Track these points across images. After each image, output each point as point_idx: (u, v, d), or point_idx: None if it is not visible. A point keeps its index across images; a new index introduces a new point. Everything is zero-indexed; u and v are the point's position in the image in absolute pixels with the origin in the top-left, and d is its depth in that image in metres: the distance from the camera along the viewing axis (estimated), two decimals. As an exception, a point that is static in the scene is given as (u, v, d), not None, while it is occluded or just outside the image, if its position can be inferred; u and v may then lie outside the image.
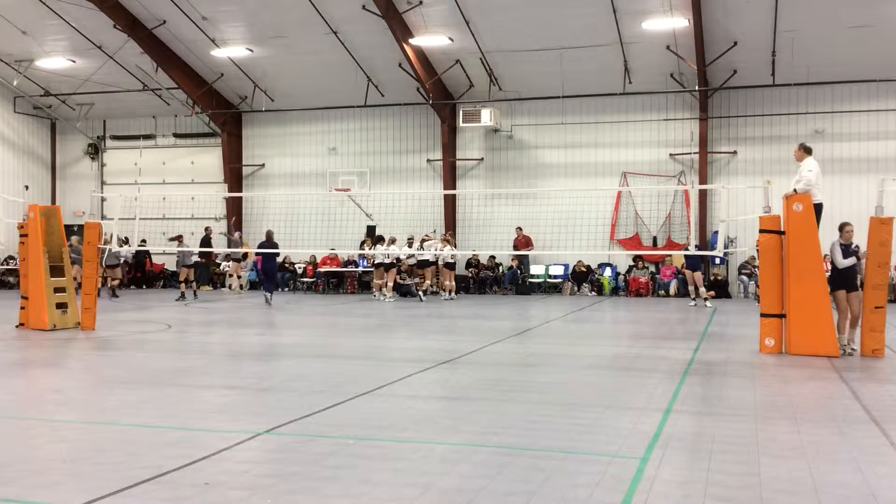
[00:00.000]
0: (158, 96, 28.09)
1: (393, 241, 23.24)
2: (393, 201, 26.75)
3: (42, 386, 9.10)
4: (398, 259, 23.06)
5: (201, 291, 25.79)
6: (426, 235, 24.35)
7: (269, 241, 21.38)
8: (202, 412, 7.40)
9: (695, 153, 24.82)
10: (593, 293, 25.18)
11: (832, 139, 23.95)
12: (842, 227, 11.44)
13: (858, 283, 11.51)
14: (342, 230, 26.81)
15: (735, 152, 25.00)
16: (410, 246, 23.91)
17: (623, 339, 13.89)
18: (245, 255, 26.60)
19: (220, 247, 26.36)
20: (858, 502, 4.90)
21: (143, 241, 26.25)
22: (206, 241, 25.72)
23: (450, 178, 26.94)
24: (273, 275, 22.42)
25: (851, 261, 11.23)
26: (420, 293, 23.02)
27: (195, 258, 24.27)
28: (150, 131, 30.47)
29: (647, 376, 9.48)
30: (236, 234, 26.02)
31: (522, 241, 25.01)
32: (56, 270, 14.71)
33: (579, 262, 25.69)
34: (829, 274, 11.63)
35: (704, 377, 9.53)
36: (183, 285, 22.83)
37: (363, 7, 22.49)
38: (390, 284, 22.82)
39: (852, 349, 11.23)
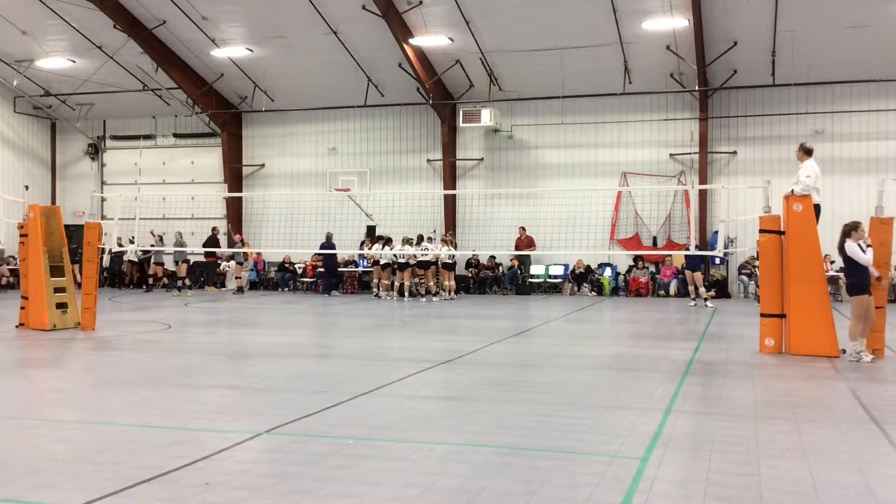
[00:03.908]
0: (158, 96, 28.08)
1: (409, 242, 23.27)
2: (393, 201, 26.76)
3: (42, 386, 9.10)
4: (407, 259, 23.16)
5: (205, 292, 25.86)
6: (447, 235, 24.50)
7: (329, 243, 24.34)
8: (202, 412, 7.40)
9: (695, 153, 24.82)
10: (593, 293, 25.18)
11: (832, 139, 23.95)
12: (856, 227, 10.83)
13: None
14: (342, 230, 26.79)
15: (735, 152, 25.00)
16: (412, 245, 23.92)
17: (623, 339, 13.89)
18: (246, 257, 26.70)
19: (224, 247, 26.55)
20: (858, 502, 4.90)
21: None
22: (212, 241, 25.74)
23: (450, 178, 26.93)
24: (334, 272, 25.21)
25: (871, 254, 10.66)
26: (424, 293, 23.14)
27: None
28: (150, 131, 30.47)
29: (647, 376, 9.48)
30: (237, 237, 26.18)
31: (525, 242, 25.00)
32: (56, 270, 14.71)
33: (579, 261, 25.69)
34: (850, 280, 10.89)
35: (704, 377, 9.53)
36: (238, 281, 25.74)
37: (363, 7, 22.49)
38: (399, 284, 23.00)
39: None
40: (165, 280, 26.13)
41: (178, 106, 28.43)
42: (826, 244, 11.70)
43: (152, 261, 26.08)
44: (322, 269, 26.06)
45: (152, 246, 25.21)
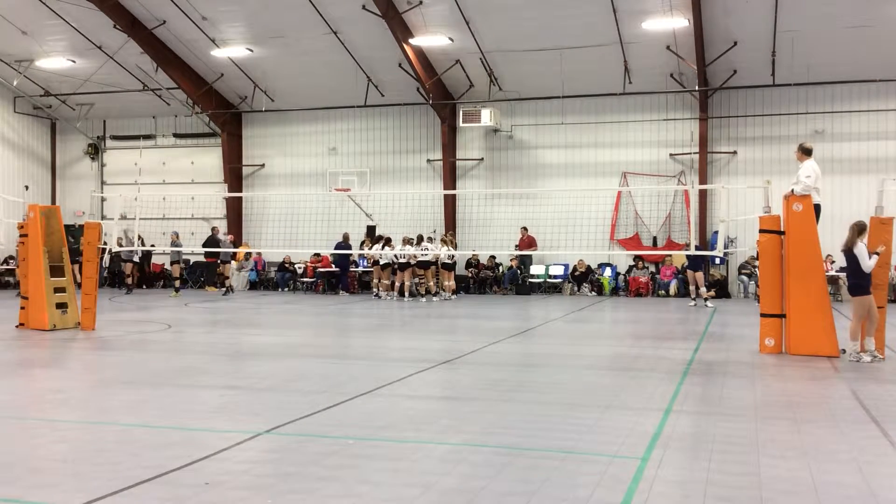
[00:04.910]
0: (158, 96, 28.08)
1: (409, 242, 23.27)
2: (393, 201, 26.74)
3: (42, 386, 9.11)
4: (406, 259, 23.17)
5: (206, 292, 25.84)
6: (447, 235, 24.62)
7: (346, 242, 24.86)
8: (202, 412, 7.41)
9: (695, 153, 24.81)
10: (593, 293, 25.18)
11: (832, 139, 23.95)
12: (864, 228, 10.77)
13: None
14: (342, 230, 26.77)
15: (735, 152, 25.00)
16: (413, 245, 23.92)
17: (623, 339, 13.89)
18: (234, 256, 26.58)
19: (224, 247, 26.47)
20: (858, 502, 4.90)
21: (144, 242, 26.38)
22: (212, 242, 25.68)
23: (450, 178, 26.93)
24: (346, 270, 25.74)
25: (874, 261, 10.63)
26: (424, 294, 23.20)
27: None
28: (150, 131, 30.47)
29: (647, 376, 9.48)
30: (228, 238, 26.07)
31: (526, 242, 25.00)
32: (56, 270, 14.71)
33: (580, 261, 25.68)
34: (853, 280, 10.85)
35: (704, 377, 9.53)
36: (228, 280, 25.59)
37: (363, 7, 22.49)
38: (399, 284, 23.05)
39: (875, 355, 10.73)
40: (129, 280, 25.69)
41: (178, 106, 28.42)
42: (826, 244, 11.68)
43: (122, 259, 25.60)
44: (322, 270, 26.17)
45: (120, 244, 24.60)
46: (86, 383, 9.32)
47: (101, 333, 13.76)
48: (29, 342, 12.79)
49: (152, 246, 26.18)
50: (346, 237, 25.32)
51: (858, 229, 10.76)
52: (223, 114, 28.51)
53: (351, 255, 25.27)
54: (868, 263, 10.58)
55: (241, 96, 28.38)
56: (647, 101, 25.37)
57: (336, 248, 24.73)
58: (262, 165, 29.26)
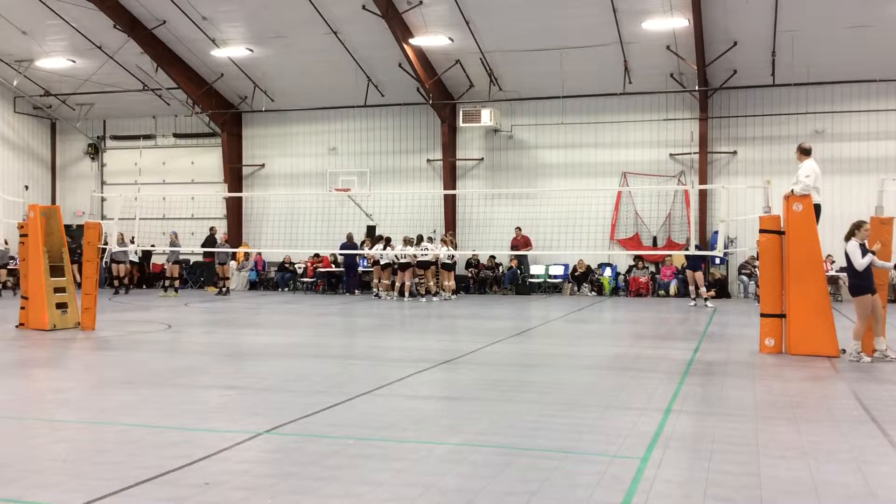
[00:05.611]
0: (158, 96, 28.08)
1: (409, 242, 23.30)
2: (393, 201, 26.75)
3: (42, 386, 9.11)
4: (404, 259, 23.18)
5: (206, 292, 25.83)
6: (446, 236, 24.67)
7: (350, 243, 25.26)
8: (202, 412, 7.41)
9: (695, 153, 24.81)
10: (593, 293, 25.17)
11: (832, 139, 23.95)
12: (860, 226, 10.74)
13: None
14: (342, 230, 26.79)
15: (735, 152, 25.00)
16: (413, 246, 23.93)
17: (623, 339, 13.89)
18: (234, 257, 26.53)
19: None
20: (858, 502, 4.90)
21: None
22: (211, 241, 25.67)
23: (450, 178, 26.93)
24: (354, 270, 25.81)
25: (868, 259, 10.55)
26: (424, 293, 23.22)
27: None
28: (150, 131, 30.46)
29: (647, 376, 9.49)
30: (222, 238, 26.06)
31: (521, 241, 25.00)
32: (56, 270, 14.71)
33: (580, 261, 25.68)
34: (852, 280, 10.78)
35: (704, 377, 9.53)
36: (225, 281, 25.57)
37: (363, 7, 22.49)
38: (399, 284, 23.06)
39: (886, 354, 10.68)
40: (126, 280, 25.44)
41: (178, 106, 28.42)
42: (826, 244, 11.67)
43: (112, 261, 25.10)
44: (322, 270, 26.18)
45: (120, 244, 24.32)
46: (86, 383, 9.32)
47: (102, 333, 13.76)
48: (29, 342, 12.80)
49: (152, 246, 26.17)
50: (350, 237, 25.47)
51: (852, 227, 10.76)
52: (223, 114, 28.50)
53: (357, 254, 25.34)
54: (860, 262, 10.55)
55: (241, 96, 28.38)
56: (647, 101, 25.37)
57: (342, 248, 24.81)
58: (262, 165, 29.26)
